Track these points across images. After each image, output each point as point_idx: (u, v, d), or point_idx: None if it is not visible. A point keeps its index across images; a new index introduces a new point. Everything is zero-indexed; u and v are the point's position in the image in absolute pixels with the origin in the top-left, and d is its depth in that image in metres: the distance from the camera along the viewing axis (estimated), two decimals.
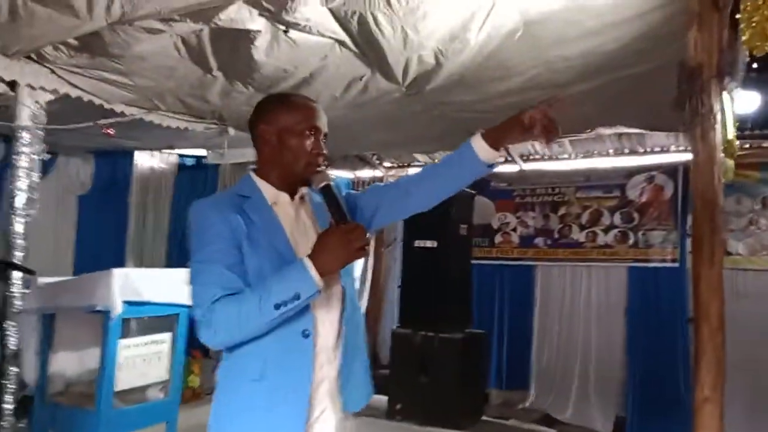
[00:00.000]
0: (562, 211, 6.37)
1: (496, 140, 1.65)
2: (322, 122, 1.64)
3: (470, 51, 3.18)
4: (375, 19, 2.82)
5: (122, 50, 3.27)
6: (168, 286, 3.07)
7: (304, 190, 1.66)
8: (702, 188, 2.19)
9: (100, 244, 6.87)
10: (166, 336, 3.18)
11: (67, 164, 6.67)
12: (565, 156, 6.20)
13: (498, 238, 6.75)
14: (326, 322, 1.57)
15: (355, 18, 2.83)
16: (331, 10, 2.79)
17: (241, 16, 2.83)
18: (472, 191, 6.16)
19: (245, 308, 1.41)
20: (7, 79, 3.47)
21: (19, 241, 3.75)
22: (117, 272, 2.79)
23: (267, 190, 1.61)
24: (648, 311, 5.79)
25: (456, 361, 4.99)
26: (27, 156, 3.72)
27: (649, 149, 5.69)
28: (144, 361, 3.07)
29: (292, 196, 1.64)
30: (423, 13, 2.78)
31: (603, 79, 3.59)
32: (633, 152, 5.79)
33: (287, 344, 1.47)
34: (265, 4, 2.70)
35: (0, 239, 3.74)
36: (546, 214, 6.47)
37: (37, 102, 3.65)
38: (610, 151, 5.88)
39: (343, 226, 1.49)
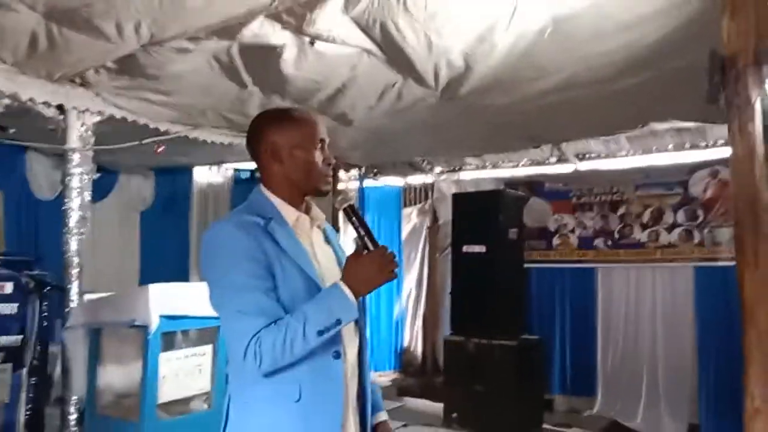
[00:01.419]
0: (621, 210, 6.09)
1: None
2: (325, 131, 1.63)
3: (500, 52, 3.09)
4: (396, 25, 2.78)
5: (158, 70, 3.38)
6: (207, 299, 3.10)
7: (319, 214, 1.66)
8: (741, 185, 2.03)
9: (164, 257, 7.09)
10: (207, 348, 3.23)
11: (129, 182, 6.94)
12: (623, 153, 5.96)
13: (556, 241, 6.53)
14: (350, 342, 1.60)
15: (377, 26, 2.80)
16: (353, 19, 2.77)
17: (264, 31, 2.86)
18: (524, 194, 6.02)
19: (290, 337, 1.41)
20: (54, 103, 3.64)
21: (74, 259, 3.94)
22: (153, 288, 2.87)
23: (284, 209, 1.59)
24: (718, 312, 5.44)
25: (511, 368, 4.86)
26: (78, 176, 3.89)
27: (711, 143, 5.37)
28: (186, 374, 3.12)
29: (305, 212, 1.65)
30: (444, 18, 2.72)
31: (650, 73, 3.42)
32: (694, 146, 5.48)
33: (321, 366, 1.49)
34: (285, 17, 2.71)
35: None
36: (605, 214, 6.20)
37: (84, 124, 3.80)
38: (670, 146, 5.59)
39: (377, 251, 1.49)
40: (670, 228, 5.79)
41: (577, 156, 6.20)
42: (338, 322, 1.43)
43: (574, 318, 6.39)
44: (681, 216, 5.73)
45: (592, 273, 6.33)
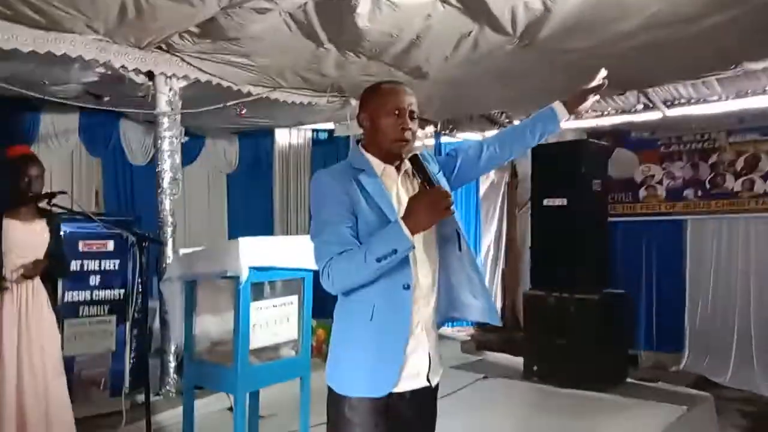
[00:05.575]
0: (713, 158, 5.83)
1: (570, 105, 2.02)
2: (407, 102, 1.86)
3: None
4: None
5: (238, 32, 3.47)
6: (293, 252, 3.22)
7: (407, 164, 1.89)
8: None
9: (249, 217, 7.43)
10: (293, 298, 3.36)
11: (215, 146, 7.25)
12: (714, 98, 5.63)
13: (642, 193, 6.34)
14: (423, 274, 1.84)
15: None
16: None
17: None
18: (608, 144, 5.82)
19: (354, 262, 1.71)
20: (144, 69, 3.82)
21: (168, 218, 4.19)
22: (243, 240, 2.99)
23: (374, 162, 1.88)
24: None
25: (593, 323, 4.78)
26: (168, 140, 4.10)
27: None
28: (275, 322, 3.27)
29: (396, 168, 1.90)
30: None
31: (741, 8, 3.21)
32: None
33: (391, 295, 1.77)
34: None
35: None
36: (695, 163, 5.95)
37: (171, 89, 3.98)
38: (767, 88, 5.25)
39: (428, 190, 1.72)
40: (767, 176, 5.48)
41: (664, 102, 5.91)
42: (394, 251, 1.67)
43: (662, 272, 6.23)
44: None
45: (681, 225, 6.13)
